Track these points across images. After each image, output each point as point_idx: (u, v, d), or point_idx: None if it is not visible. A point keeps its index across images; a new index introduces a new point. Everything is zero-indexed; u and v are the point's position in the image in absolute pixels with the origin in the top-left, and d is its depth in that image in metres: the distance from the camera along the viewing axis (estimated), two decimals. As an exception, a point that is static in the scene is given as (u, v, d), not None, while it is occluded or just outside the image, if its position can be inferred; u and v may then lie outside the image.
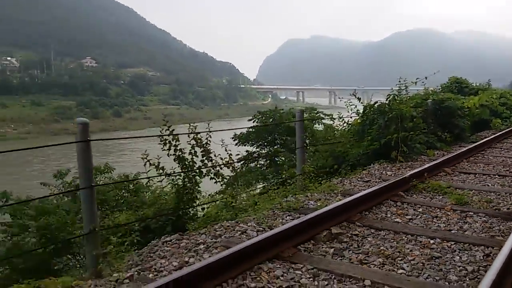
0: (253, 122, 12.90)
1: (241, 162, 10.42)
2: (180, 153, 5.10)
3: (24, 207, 8.10)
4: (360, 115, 8.69)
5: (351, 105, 8.75)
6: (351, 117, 8.92)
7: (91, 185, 3.76)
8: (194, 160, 5.16)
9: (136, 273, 3.21)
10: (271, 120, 12.46)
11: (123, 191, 9.26)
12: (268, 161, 11.90)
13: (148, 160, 4.86)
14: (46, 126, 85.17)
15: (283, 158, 11.53)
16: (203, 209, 5.21)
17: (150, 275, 3.19)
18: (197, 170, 5.10)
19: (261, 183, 10.38)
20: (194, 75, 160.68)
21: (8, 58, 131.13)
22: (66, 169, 9.71)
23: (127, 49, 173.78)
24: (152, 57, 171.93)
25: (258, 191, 8.48)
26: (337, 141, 7.98)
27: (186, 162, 5.12)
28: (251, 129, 12.41)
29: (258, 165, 11.99)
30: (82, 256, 7.84)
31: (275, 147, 12.14)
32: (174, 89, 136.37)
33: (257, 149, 12.42)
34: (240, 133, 12.46)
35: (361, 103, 9.01)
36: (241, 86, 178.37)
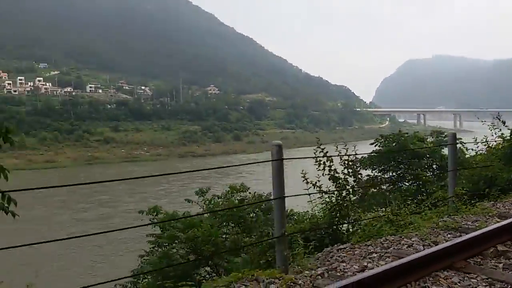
0: (375, 146, 12.80)
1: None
2: (333, 172, 5.36)
3: (172, 221, 9.00)
4: (506, 139, 8.20)
5: (495, 128, 8.33)
6: (495, 141, 8.45)
7: (283, 196, 4.19)
8: (346, 179, 5.38)
9: (325, 271, 3.70)
10: (394, 144, 12.25)
11: (257, 209, 9.82)
12: (391, 186, 11.66)
13: (306, 178, 5.14)
14: (174, 149, 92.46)
15: (407, 184, 11.21)
16: (353, 226, 5.40)
17: (337, 274, 3.66)
18: (350, 189, 5.31)
19: (383, 208, 10.17)
20: (309, 99, 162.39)
21: (143, 87, 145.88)
22: (207, 188, 10.60)
23: (246, 76, 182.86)
24: (269, 83, 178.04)
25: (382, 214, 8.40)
26: (487, 165, 7.65)
27: (340, 181, 5.36)
28: (375, 154, 12.29)
29: (380, 190, 11.79)
30: (218, 268, 8.44)
31: (399, 171, 11.88)
32: (290, 113, 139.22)
33: (379, 174, 12.24)
34: (361, 157, 12.40)
35: (506, 126, 8.51)
36: (357, 109, 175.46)
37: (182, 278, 8.09)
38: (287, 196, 4.06)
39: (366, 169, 12.03)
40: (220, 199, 10.27)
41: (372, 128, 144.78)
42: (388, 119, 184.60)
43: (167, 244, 9.03)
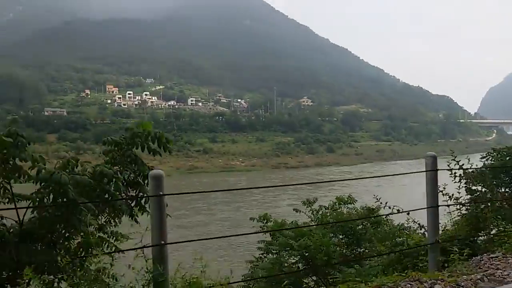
0: (487, 160, 12.31)
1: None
2: (470, 185, 5.35)
3: (283, 229, 9.36)
4: None
5: None
6: None
7: (436, 205, 4.40)
8: (485, 192, 5.33)
9: (483, 276, 3.87)
10: (507, 158, 11.65)
11: (366, 222, 9.83)
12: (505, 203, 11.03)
13: (441, 191, 5.15)
14: (268, 160, 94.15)
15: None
16: (488, 236, 5.35)
17: (497, 279, 3.84)
18: (489, 202, 5.26)
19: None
20: (407, 110, 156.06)
21: (239, 100, 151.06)
22: (314, 198, 10.81)
23: (340, 87, 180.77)
24: (364, 94, 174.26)
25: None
26: None
27: (477, 194, 5.34)
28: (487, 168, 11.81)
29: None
30: (327, 277, 8.57)
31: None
32: (386, 125, 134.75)
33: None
34: (472, 171, 11.90)
35: None
36: (460, 120, 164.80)
37: (292, 286, 8.39)
38: (440, 206, 4.21)
39: (476, 184, 11.58)
40: (327, 210, 10.44)
41: (478, 141, 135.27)
42: (495, 131, 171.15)
43: (277, 251, 9.32)
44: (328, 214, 10.16)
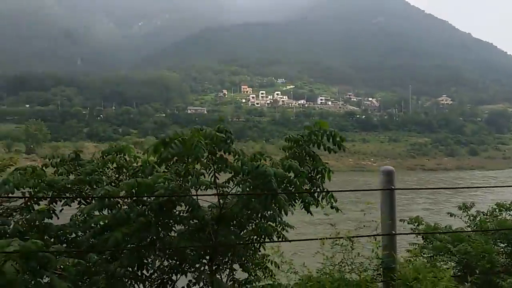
0: None
1: None
2: None
3: (437, 232, 9.05)
4: None
5: None
6: None
7: None
8: None
9: None
10: None
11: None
12: None
13: None
14: (402, 160, 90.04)
15: None
16: None
17: None
18: None
19: None
20: None
21: (370, 99, 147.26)
22: (471, 203, 10.25)
23: (485, 85, 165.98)
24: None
25: None
26: None
27: None
28: None
29: None
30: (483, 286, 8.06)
31: None
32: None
33: None
34: None
35: None
36: None
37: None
38: None
39: None
40: (486, 216, 9.85)
41: None
42: None
43: (430, 255, 9.07)
44: (488, 220, 9.59)
